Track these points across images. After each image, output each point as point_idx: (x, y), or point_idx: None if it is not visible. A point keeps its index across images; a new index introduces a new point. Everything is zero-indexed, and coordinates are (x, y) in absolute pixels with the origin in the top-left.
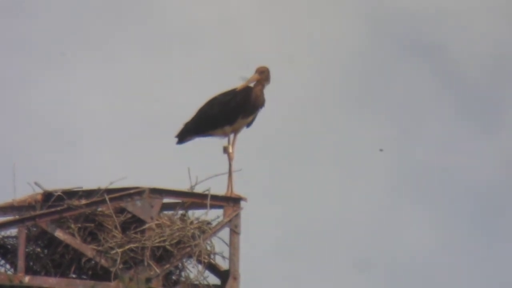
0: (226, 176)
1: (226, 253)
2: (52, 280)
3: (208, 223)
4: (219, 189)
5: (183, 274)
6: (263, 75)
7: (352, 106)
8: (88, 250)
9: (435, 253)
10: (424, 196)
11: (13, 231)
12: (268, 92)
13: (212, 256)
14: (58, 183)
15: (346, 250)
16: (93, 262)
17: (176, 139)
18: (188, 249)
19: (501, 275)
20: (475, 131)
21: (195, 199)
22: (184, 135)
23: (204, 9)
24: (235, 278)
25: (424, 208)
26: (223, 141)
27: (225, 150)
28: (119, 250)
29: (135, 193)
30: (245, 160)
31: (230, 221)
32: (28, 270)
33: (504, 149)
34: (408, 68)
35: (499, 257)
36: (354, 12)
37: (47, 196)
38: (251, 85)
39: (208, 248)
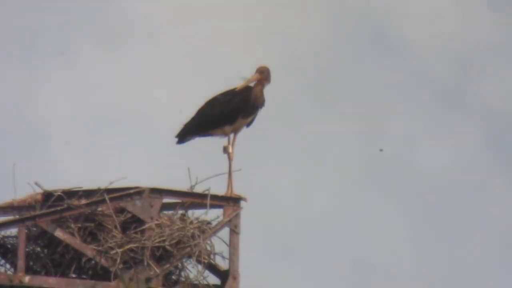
0: (226, 176)
1: (226, 253)
2: (52, 280)
3: (208, 223)
4: (219, 189)
5: (183, 274)
6: (263, 75)
7: (318, 101)
8: (88, 250)
9: (402, 248)
10: (389, 190)
11: (13, 231)
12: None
13: (212, 256)
14: (58, 183)
15: (346, 250)
16: (93, 262)
17: (176, 139)
18: (188, 249)
19: (464, 268)
20: (438, 125)
21: (195, 199)
22: (184, 135)
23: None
24: (235, 278)
25: (388, 202)
26: (223, 141)
27: (225, 150)
28: (119, 250)
29: (135, 193)
30: (245, 160)
31: (230, 221)
32: (28, 270)
33: (466, 143)
34: (371, 63)
35: (460, 253)
36: (319, 8)
37: (47, 196)
38: (251, 84)
39: (208, 248)
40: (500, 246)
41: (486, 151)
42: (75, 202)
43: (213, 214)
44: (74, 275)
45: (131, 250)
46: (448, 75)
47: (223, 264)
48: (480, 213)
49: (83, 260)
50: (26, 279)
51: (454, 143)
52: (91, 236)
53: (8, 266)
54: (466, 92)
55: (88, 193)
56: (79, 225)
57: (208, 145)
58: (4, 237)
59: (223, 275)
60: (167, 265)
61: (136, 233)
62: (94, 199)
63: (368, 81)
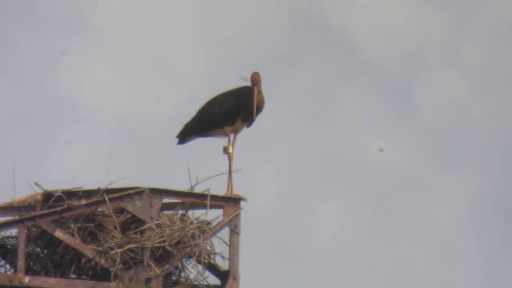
0: (226, 176)
1: (226, 253)
2: (52, 281)
3: (208, 223)
4: (219, 189)
5: (183, 274)
6: (260, 82)
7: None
8: (88, 250)
9: (348, 243)
10: (336, 183)
11: (13, 231)
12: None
13: (212, 256)
14: (58, 183)
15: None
16: (93, 262)
17: (177, 140)
18: (188, 249)
19: (413, 265)
20: (385, 117)
21: (195, 199)
22: (185, 136)
23: None
24: (235, 278)
25: (336, 196)
26: (223, 141)
27: (225, 150)
28: (119, 250)
29: (135, 193)
30: (245, 160)
31: (230, 221)
32: (28, 270)
33: (415, 133)
34: (316, 56)
35: (411, 248)
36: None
37: (47, 196)
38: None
39: (208, 248)
40: (452, 237)
41: (435, 142)
42: (75, 202)
43: (213, 214)
44: (74, 276)
45: (131, 250)
46: (394, 67)
47: (223, 265)
48: (427, 206)
49: (83, 260)
50: (26, 279)
51: (403, 137)
52: (91, 237)
53: (8, 266)
54: (413, 84)
55: (88, 193)
56: (79, 225)
57: (208, 145)
58: (4, 237)
59: (223, 276)
60: (167, 266)
61: (136, 233)
62: (94, 199)
63: (315, 72)
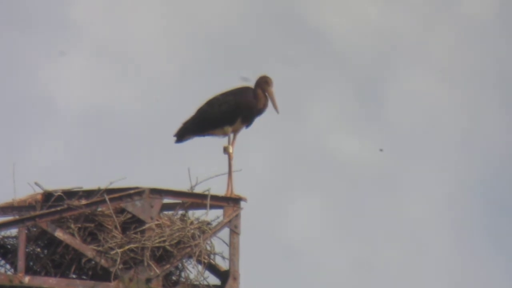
0: (226, 176)
1: (226, 254)
2: (52, 280)
3: (208, 223)
4: (219, 189)
5: (183, 274)
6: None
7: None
8: (88, 250)
9: (320, 238)
10: (310, 180)
11: (13, 231)
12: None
13: (212, 257)
14: (58, 183)
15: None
16: (93, 262)
17: (175, 138)
18: (188, 249)
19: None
20: (358, 113)
21: (195, 200)
22: (183, 134)
23: None
24: (235, 279)
25: (310, 191)
26: (223, 141)
27: (225, 150)
28: (119, 251)
29: (135, 193)
30: (245, 160)
31: (230, 221)
32: (28, 270)
33: (386, 130)
34: (290, 52)
35: (384, 243)
36: None
37: (47, 196)
38: (251, 85)
39: (208, 248)
40: (424, 233)
41: (406, 139)
42: (75, 202)
43: (213, 215)
44: (74, 276)
45: (131, 250)
46: (367, 64)
47: (223, 265)
48: (399, 202)
49: (83, 260)
50: (26, 279)
51: (373, 132)
52: (91, 237)
53: (8, 266)
54: (385, 81)
55: (88, 193)
56: (79, 225)
57: (208, 145)
58: (4, 237)
59: (224, 276)
60: (167, 266)
61: (136, 233)
62: (94, 199)
63: (289, 69)
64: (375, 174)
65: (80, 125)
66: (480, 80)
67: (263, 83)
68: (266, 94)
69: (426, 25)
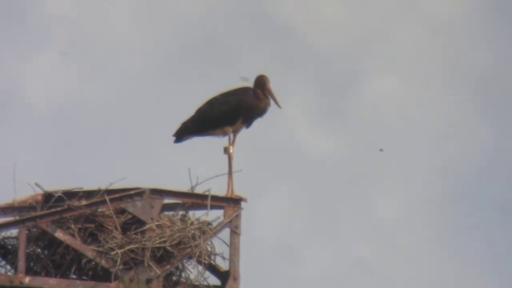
0: (226, 177)
1: (227, 254)
2: (52, 281)
3: (209, 223)
4: (220, 189)
5: (183, 274)
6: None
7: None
8: (89, 251)
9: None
10: (276, 175)
11: (13, 232)
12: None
13: (212, 257)
14: (58, 183)
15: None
16: (93, 263)
17: (173, 138)
18: (189, 249)
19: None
20: (327, 109)
21: (196, 200)
22: (182, 134)
23: None
24: (235, 279)
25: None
26: (223, 141)
27: (226, 150)
28: (120, 251)
29: (136, 193)
30: (245, 160)
31: (230, 221)
32: (29, 271)
33: (355, 126)
34: (258, 47)
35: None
36: None
37: (48, 196)
38: (251, 85)
39: (209, 248)
40: (394, 230)
41: (377, 137)
42: (75, 203)
43: (214, 215)
44: (74, 276)
45: (131, 251)
46: (334, 60)
47: (223, 265)
48: (371, 199)
49: (84, 261)
50: (27, 280)
51: (344, 130)
52: (91, 237)
53: (8, 267)
54: (355, 77)
55: (89, 194)
56: (80, 226)
57: (208, 145)
58: (4, 238)
59: (224, 276)
60: (168, 266)
61: (136, 234)
62: (95, 200)
63: (257, 63)
64: (345, 170)
65: (81, 125)
66: (448, 79)
67: (261, 83)
68: (266, 93)
69: (395, 23)
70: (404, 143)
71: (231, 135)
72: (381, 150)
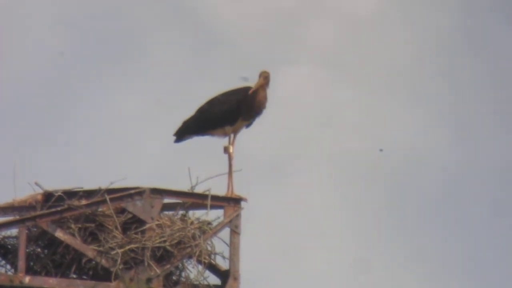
0: (226, 176)
1: (227, 253)
2: (52, 281)
3: (209, 223)
4: (220, 189)
5: (183, 274)
6: (266, 80)
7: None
8: (89, 250)
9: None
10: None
11: (13, 231)
12: None
13: (212, 256)
14: (58, 183)
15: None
16: (93, 262)
17: (174, 137)
18: (189, 249)
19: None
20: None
21: (196, 200)
22: (183, 134)
23: None
24: (235, 278)
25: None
26: (223, 141)
27: (226, 150)
28: (120, 251)
29: (136, 193)
30: (245, 160)
31: (230, 221)
32: (29, 271)
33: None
34: (169, 35)
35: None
36: None
37: (48, 196)
38: (251, 85)
39: (209, 248)
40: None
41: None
42: (75, 202)
43: (214, 215)
44: (74, 276)
45: (131, 250)
46: (250, 45)
47: (223, 265)
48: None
49: (84, 260)
50: (27, 279)
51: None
52: (91, 237)
53: (8, 266)
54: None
55: (89, 193)
56: (80, 225)
57: (208, 145)
58: (4, 237)
59: (224, 276)
60: (168, 266)
61: (136, 233)
62: (95, 199)
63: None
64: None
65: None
66: (365, 72)
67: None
68: (266, 88)
69: (306, 16)
70: (326, 138)
71: (231, 135)
72: (381, 150)
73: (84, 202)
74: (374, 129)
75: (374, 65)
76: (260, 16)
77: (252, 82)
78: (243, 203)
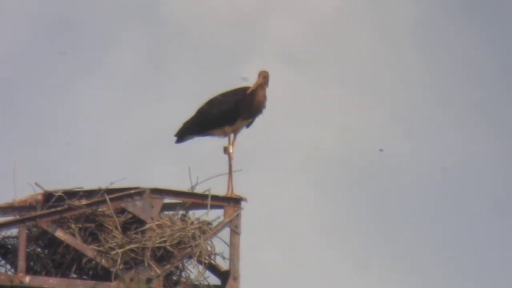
0: (226, 176)
1: (227, 254)
2: (52, 281)
3: (209, 223)
4: (220, 189)
5: (183, 274)
6: (265, 79)
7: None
8: (89, 250)
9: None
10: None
11: (13, 231)
12: None
13: (212, 257)
14: (58, 183)
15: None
16: (93, 262)
17: (175, 138)
18: (189, 249)
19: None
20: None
21: (196, 200)
22: (184, 134)
23: None
24: (235, 279)
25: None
26: (223, 141)
27: (226, 150)
28: (120, 251)
29: (136, 193)
30: (245, 160)
31: (230, 221)
32: (29, 271)
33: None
34: (131, 33)
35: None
36: None
37: (48, 196)
38: (250, 85)
39: (209, 248)
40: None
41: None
42: (75, 202)
43: (214, 215)
44: (74, 276)
45: (131, 250)
46: (215, 41)
47: (223, 265)
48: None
49: (84, 260)
50: (27, 279)
51: None
52: (91, 237)
53: (8, 266)
54: (240, 59)
55: (89, 193)
56: (80, 225)
57: (208, 145)
58: (4, 237)
59: (224, 276)
60: (168, 266)
61: (136, 233)
62: (95, 199)
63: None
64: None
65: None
66: (329, 68)
67: (261, 81)
68: (265, 88)
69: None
70: (291, 134)
71: (231, 135)
72: (381, 150)
73: (84, 202)
74: (346, 125)
75: (342, 60)
76: (225, 13)
77: (251, 82)
78: (243, 203)
